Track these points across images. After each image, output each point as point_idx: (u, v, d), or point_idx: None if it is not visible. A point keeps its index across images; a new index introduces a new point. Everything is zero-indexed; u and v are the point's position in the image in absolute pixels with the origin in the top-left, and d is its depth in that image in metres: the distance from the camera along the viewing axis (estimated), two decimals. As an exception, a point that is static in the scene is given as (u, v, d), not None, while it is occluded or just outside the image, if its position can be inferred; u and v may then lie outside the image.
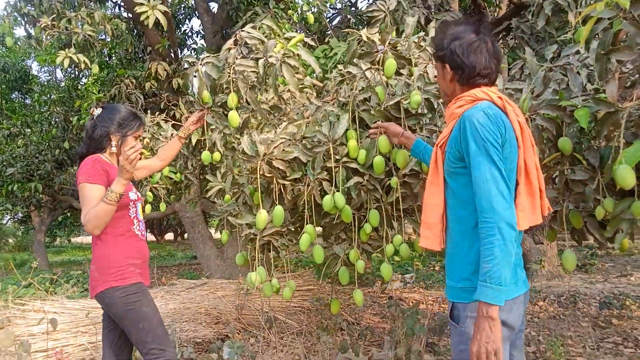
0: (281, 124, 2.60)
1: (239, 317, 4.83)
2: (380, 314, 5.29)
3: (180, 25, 10.38)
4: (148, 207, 3.72)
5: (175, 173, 3.99)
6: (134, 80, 7.63)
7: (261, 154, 2.30)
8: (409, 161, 2.27)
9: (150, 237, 23.18)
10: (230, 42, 2.55)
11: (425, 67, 2.45)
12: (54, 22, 5.19)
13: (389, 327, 4.39)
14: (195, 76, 2.68)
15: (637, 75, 1.93)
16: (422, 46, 2.47)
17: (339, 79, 2.59)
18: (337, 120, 2.33)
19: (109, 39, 7.53)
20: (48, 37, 5.35)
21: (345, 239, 2.66)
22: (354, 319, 4.94)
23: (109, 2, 8.61)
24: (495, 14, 6.89)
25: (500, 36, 5.37)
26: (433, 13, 4.35)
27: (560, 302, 5.62)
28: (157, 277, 8.24)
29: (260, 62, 2.41)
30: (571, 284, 6.58)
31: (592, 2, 2.14)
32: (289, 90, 2.93)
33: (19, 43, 12.83)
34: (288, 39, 2.43)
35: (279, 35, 2.56)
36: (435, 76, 2.34)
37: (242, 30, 2.52)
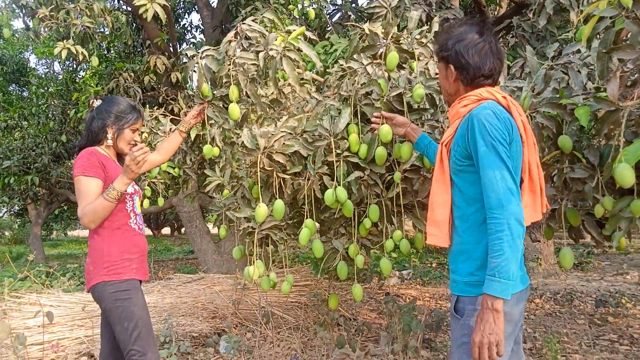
0: (281, 118, 2.59)
1: (236, 311, 4.83)
2: (377, 309, 5.31)
3: (180, 20, 10.33)
4: (146, 202, 3.72)
5: (174, 168, 3.98)
6: (132, 74, 7.60)
7: (261, 147, 2.29)
8: (410, 156, 2.26)
9: (147, 232, 23.12)
10: (230, 35, 2.54)
11: (427, 63, 2.45)
12: (52, 14, 5.16)
13: (386, 323, 4.40)
14: (194, 71, 2.66)
15: (637, 74, 1.94)
16: (423, 43, 2.46)
17: (340, 73, 2.58)
18: (338, 114, 2.32)
19: (108, 32, 7.48)
20: (46, 29, 5.32)
21: (344, 233, 2.66)
22: (351, 314, 4.95)
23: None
24: (496, 13, 6.88)
25: (501, 34, 5.37)
26: (434, 10, 4.35)
27: (556, 300, 5.64)
28: (154, 271, 8.25)
29: (261, 54, 2.39)
30: (567, 281, 6.62)
31: (594, 0, 2.14)
32: (289, 85, 2.92)
33: (16, 35, 12.76)
34: (289, 32, 2.42)
35: (280, 29, 2.54)
36: (437, 74, 2.35)
37: (243, 23, 2.50)
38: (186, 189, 4.35)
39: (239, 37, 2.51)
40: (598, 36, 1.79)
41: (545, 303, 5.53)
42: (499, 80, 1.72)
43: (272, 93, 2.87)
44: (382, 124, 2.18)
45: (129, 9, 7.83)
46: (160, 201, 4.08)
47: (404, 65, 2.47)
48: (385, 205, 2.44)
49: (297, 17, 5.87)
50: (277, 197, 2.40)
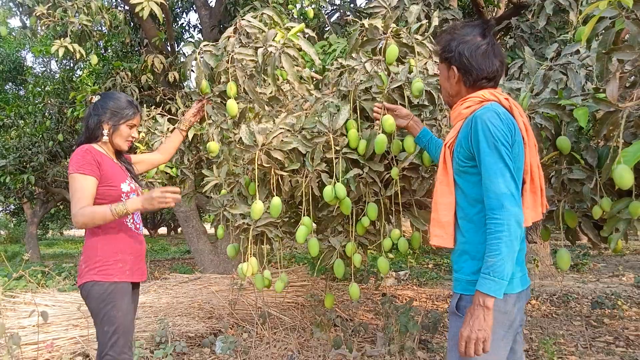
0: (280, 115, 2.57)
1: (232, 312, 4.82)
2: (374, 310, 5.30)
3: (178, 19, 10.31)
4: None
5: (171, 167, 3.96)
6: (129, 73, 7.57)
7: (259, 144, 2.27)
8: (414, 149, 2.25)
9: (144, 231, 23.05)
10: (230, 31, 2.51)
11: (425, 63, 2.44)
12: (49, 12, 5.13)
13: (383, 324, 4.39)
14: (192, 70, 2.64)
15: (637, 75, 1.93)
16: (423, 43, 2.45)
17: (339, 71, 2.57)
18: (337, 111, 2.31)
19: (105, 30, 7.46)
20: (43, 27, 5.29)
21: (342, 231, 2.64)
22: (348, 315, 4.94)
23: (106, -7, 8.55)
24: (494, 14, 6.89)
25: (499, 35, 5.37)
26: (432, 11, 4.34)
27: (552, 301, 5.65)
28: (150, 271, 8.22)
29: (260, 51, 2.37)
30: (564, 283, 6.62)
31: (593, 1, 2.13)
32: (288, 82, 2.90)
33: (13, 33, 12.72)
34: (288, 29, 2.40)
35: (279, 26, 2.52)
36: (436, 73, 2.34)
37: (243, 19, 2.48)
38: (183, 188, 4.33)
39: (238, 33, 2.49)
40: (597, 37, 1.78)
41: (541, 304, 5.53)
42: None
43: (270, 92, 2.85)
44: (384, 115, 2.17)
45: (127, 7, 7.80)
46: (157, 201, 4.05)
47: (403, 59, 2.47)
48: (383, 204, 2.43)
49: (296, 17, 5.86)
50: (275, 194, 2.39)
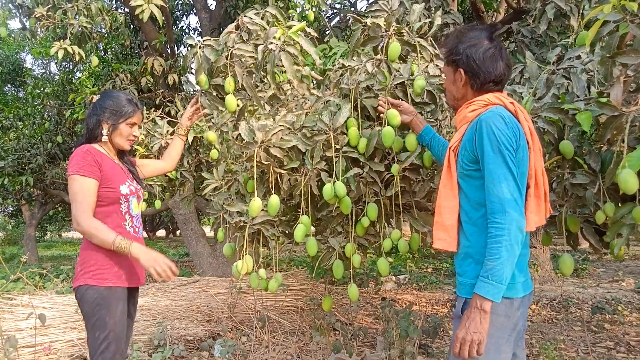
0: (279, 113, 2.55)
1: (231, 315, 4.79)
2: (373, 314, 5.28)
3: (178, 22, 10.31)
4: (143, 205, 3.67)
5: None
6: (129, 75, 7.57)
7: (259, 141, 2.24)
8: (416, 148, 2.23)
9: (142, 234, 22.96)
10: (231, 27, 2.49)
11: (427, 67, 2.43)
12: (49, 13, 5.12)
13: (382, 328, 4.37)
14: (192, 71, 2.62)
15: (640, 80, 1.92)
16: (421, 42, 2.44)
17: (340, 71, 2.55)
18: (338, 110, 2.29)
19: (105, 32, 7.45)
20: (43, 29, 5.28)
21: (341, 232, 2.62)
22: (347, 319, 4.91)
23: (106, -4, 8.54)
24: (494, 18, 6.89)
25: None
26: (433, 14, 4.32)
27: (553, 306, 5.63)
28: (148, 273, 8.17)
29: (260, 47, 2.35)
30: (563, 288, 6.60)
31: (595, 5, 2.12)
32: (289, 82, 2.88)
33: (12, 35, 12.70)
34: (290, 27, 2.38)
35: (281, 24, 2.50)
36: (437, 74, 2.33)
37: (245, 16, 2.46)
38: (183, 191, 4.30)
39: (239, 30, 2.47)
40: (601, 41, 1.77)
41: (541, 309, 5.51)
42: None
43: (270, 89, 2.83)
44: (388, 109, 2.16)
45: (127, 10, 7.80)
46: (158, 204, 4.04)
47: (405, 58, 2.46)
48: (383, 204, 2.41)
49: (297, 20, 5.86)
50: (273, 192, 2.36)
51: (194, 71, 2.50)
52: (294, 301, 5.33)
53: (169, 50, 7.73)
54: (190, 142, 3.79)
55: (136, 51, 8.79)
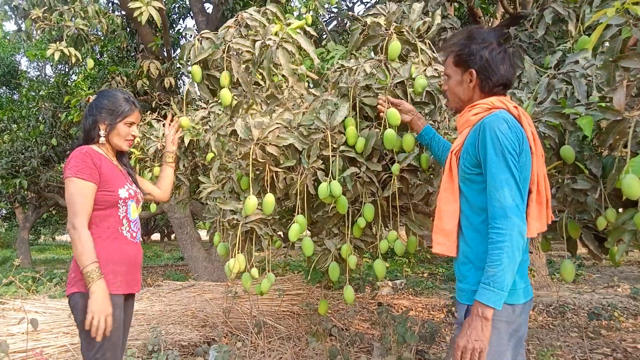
0: (276, 111, 2.52)
1: (226, 320, 4.75)
2: (370, 320, 5.24)
3: (174, 25, 10.29)
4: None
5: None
6: (125, 78, 7.54)
7: (255, 138, 2.21)
8: (414, 148, 2.21)
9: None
10: (230, 21, 2.45)
11: (424, 70, 2.42)
12: (45, 15, 5.09)
13: (379, 334, 4.34)
14: (188, 74, 2.58)
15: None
16: (421, 45, 2.43)
17: (338, 72, 2.53)
18: (336, 109, 2.27)
19: (102, 35, 7.42)
20: (39, 31, 5.25)
21: (337, 233, 2.58)
22: (343, 324, 4.88)
23: (102, -2, 8.52)
24: (490, 24, 6.91)
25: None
26: (431, 19, 4.32)
27: (549, 312, 5.62)
28: (142, 278, 8.12)
29: (257, 43, 2.32)
30: (559, 294, 6.59)
31: (597, 9, 2.11)
32: (285, 81, 2.85)
33: (7, 37, 12.64)
34: (289, 24, 2.36)
35: (281, 21, 2.47)
36: (435, 75, 2.31)
37: (245, 12, 2.43)
38: (178, 194, 4.26)
39: (238, 25, 2.44)
40: (604, 45, 1.76)
41: (537, 315, 5.49)
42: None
43: (267, 90, 2.80)
44: (388, 108, 2.14)
45: (124, 12, 7.78)
46: (153, 207, 4.01)
47: (405, 57, 2.44)
48: (380, 205, 2.38)
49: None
50: (268, 191, 2.32)
51: (190, 68, 2.44)
52: (290, 306, 5.30)
53: (165, 54, 7.71)
54: (186, 145, 3.76)
55: (132, 54, 8.76)
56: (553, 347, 4.12)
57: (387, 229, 2.48)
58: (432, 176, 2.46)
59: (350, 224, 2.41)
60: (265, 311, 5.05)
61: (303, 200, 2.33)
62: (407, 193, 2.46)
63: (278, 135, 2.27)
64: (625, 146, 1.75)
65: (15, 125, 10.47)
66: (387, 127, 2.17)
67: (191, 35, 2.52)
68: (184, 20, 10.47)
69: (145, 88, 7.49)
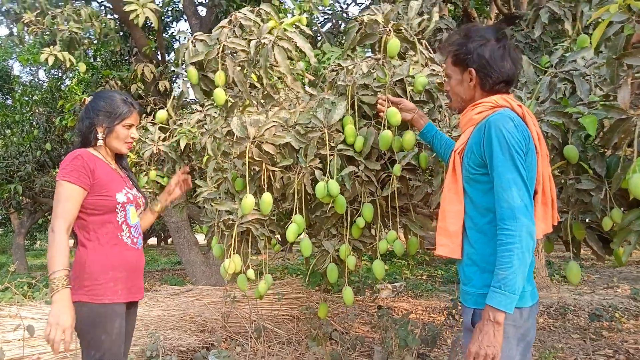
0: (271, 110, 2.49)
1: (225, 325, 4.70)
2: (370, 323, 5.20)
3: (168, 28, 10.25)
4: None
5: (163, 177, 3.86)
6: (119, 82, 7.48)
7: (251, 137, 2.16)
8: (414, 147, 2.18)
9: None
10: (224, 22, 2.42)
11: (421, 71, 2.38)
12: (37, 19, 5.04)
13: (379, 337, 4.30)
14: (183, 77, 2.54)
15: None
16: (419, 47, 2.40)
17: (335, 72, 2.50)
18: (333, 107, 2.23)
19: (95, 38, 7.38)
20: (31, 35, 5.20)
21: (335, 234, 2.54)
22: (343, 328, 4.84)
23: (94, 1, 8.45)
24: (485, 25, 6.91)
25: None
26: (427, 20, 4.30)
27: (549, 314, 5.59)
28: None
29: (253, 42, 2.28)
30: (559, 295, 6.57)
31: (595, 9, 2.09)
32: (282, 80, 2.81)
33: (0, 42, 12.58)
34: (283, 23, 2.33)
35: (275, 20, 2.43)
36: (433, 73, 2.28)
37: (239, 12, 2.39)
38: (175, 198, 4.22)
39: (232, 25, 2.40)
40: (607, 42, 1.73)
41: (539, 317, 5.47)
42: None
43: (264, 91, 2.76)
44: (388, 107, 2.10)
45: (116, 16, 7.73)
46: (149, 211, 3.95)
47: (404, 55, 2.41)
48: (379, 205, 2.35)
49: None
50: (265, 191, 2.28)
51: (184, 70, 2.40)
52: (289, 310, 5.25)
53: (159, 57, 7.66)
54: (182, 149, 3.72)
55: (126, 58, 8.70)
56: (555, 349, 4.09)
57: (386, 230, 2.45)
58: (431, 177, 2.43)
59: (348, 224, 2.37)
60: (264, 315, 5.00)
61: (301, 201, 2.29)
62: (407, 193, 2.43)
63: (275, 134, 2.23)
64: (629, 145, 1.72)
65: (9, 131, 10.40)
66: (387, 126, 2.13)
67: (185, 38, 2.46)
68: (177, 23, 10.42)
69: (140, 92, 7.43)
